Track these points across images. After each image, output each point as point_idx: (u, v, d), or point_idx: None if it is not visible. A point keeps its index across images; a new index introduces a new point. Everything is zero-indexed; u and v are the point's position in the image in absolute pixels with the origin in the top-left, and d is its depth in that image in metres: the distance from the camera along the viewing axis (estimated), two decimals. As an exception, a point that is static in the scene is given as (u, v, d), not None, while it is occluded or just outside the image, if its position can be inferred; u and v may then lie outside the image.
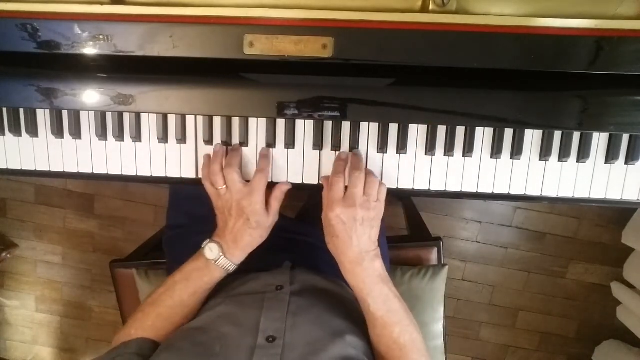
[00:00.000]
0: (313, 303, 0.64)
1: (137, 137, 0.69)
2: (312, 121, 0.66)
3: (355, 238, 0.61)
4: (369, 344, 0.62)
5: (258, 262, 0.75)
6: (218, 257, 0.65)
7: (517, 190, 0.67)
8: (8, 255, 1.84)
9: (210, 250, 0.66)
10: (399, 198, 1.59)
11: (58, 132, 0.69)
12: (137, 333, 0.63)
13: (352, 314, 0.65)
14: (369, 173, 0.64)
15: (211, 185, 0.66)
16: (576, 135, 0.65)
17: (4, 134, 0.71)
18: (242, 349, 0.54)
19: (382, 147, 0.66)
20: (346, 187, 0.63)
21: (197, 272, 0.66)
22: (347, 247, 0.62)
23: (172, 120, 0.68)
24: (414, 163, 0.67)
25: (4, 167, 0.72)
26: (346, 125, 0.67)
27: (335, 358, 0.54)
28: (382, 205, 0.64)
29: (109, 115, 0.68)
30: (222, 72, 0.62)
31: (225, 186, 0.65)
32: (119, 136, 0.69)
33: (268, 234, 0.68)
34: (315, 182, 0.69)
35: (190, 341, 0.57)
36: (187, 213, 0.87)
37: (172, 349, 0.56)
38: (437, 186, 0.68)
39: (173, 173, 0.70)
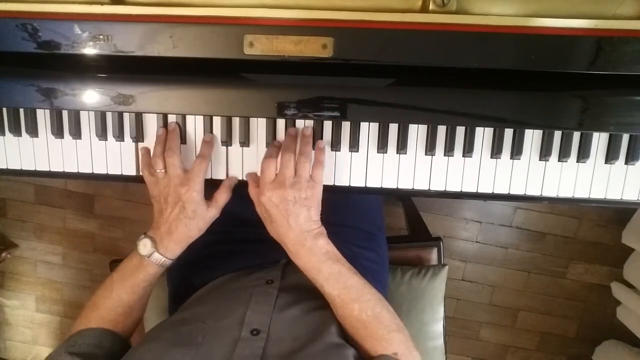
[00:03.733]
0: (301, 298, 0.63)
1: (137, 137, 0.69)
2: (312, 121, 0.66)
3: (292, 219, 0.61)
4: None
5: (256, 259, 0.75)
6: (151, 253, 0.64)
7: (517, 190, 0.67)
8: (8, 255, 1.84)
9: (144, 245, 0.64)
10: (399, 198, 1.59)
11: (58, 132, 0.69)
12: None
13: None
14: (302, 153, 0.63)
15: (149, 174, 0.66)
16: (576, 135, 0.65)
17: (4, 134, 0.71)
18: (225, 340, 0.54)
19: (382, 147, 0.66)
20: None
21: (132, 270, 0.65)
22: (285, 229, 0.61)
23: (172, 120, 0.68)
24: (414, 163, 0.67)
25: (4, 167, 0.72)
26: (346, 125, 0.67)
27: (319, 353, 0.53)
28: (317, 185, 0.63)
29: (109, 115, 0.68)
30: (222, 72, 0.62)
31: (163, 170, 0.65)
32: (119, 136, 0.69)
33: (206, 228, 0.67)
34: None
35: (173, 331, 0.57)
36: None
37: (155, 339, 0.56)
38: (437, 186, 0.68)
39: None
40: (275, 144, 0.66)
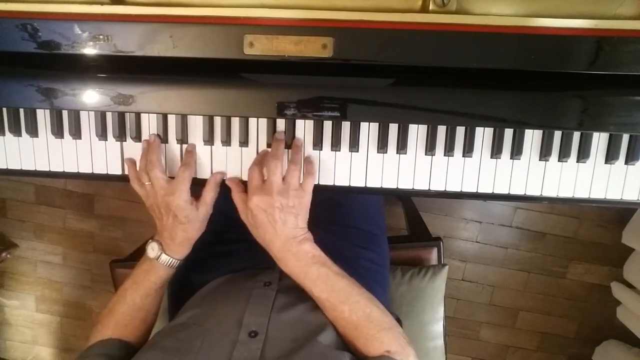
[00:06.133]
0: (299, 300, 0.63)
1: (137, 137, 0.68)
2: (312, 121, 0.66)
3: (279, 225, 0.61)
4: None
5: (254, 260, 0.75)
6: (159, 255, 0.67)
7: (517, 190, 0.67)
8: (8, 255, 1.84)
9: (152, 249, 0.68)
10: (399, 198, 1.59)
11: (58, 132, 0.69)
12: None
13: None
14: (292, 161, 0.64)
15: (139, 186, 0.67)
16: (576, 135, 0.65)
17: (4, 134, 0.71)
18: (223, 343, 0.55)
19: (382, 147, 0.66)
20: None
21: (143, 274, 0.68)
22: (271, 235, 0.62)
23: (172, 120, 0.68)
24: (414, 163, 0.67)
25: (4, 167, 0.72)
26: (346, 125, 0.67)
27: (316, 355, 0.54)
28: (306, 194, 0.64)
29: (109, 115, 0.68)
30: (222, 72, 0.62)
31: (150, 183, 0.66)
32: (119, 136, 0.69)
33: (205, 225, 0.69)
34: (315, 182, 0.69)
35: (173, 338, 0.57)
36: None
37: (155, 346, 0.57)
38: (437, 186, 0.68)
39: (173, 173, 0.70)
40: (262, 153, 0.67)
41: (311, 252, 0.63)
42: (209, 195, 0.68)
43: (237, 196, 0.66)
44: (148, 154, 0.66)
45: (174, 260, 0.68)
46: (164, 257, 0.67)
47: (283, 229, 0.61)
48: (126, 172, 0.71)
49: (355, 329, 0.59)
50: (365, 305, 0.61)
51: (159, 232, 0.69)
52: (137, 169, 0.68)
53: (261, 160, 0.65)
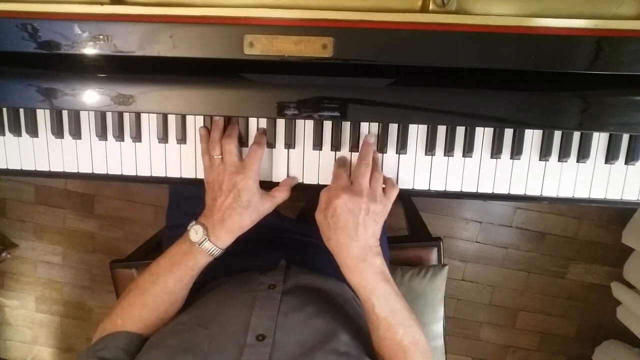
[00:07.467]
0: (305, 302, 0.63)
1: (137, 137, 0.69)
2: (312, 121, 0.66)
3: (361, 229, 0.59)
4: (364, 343, 0.61)
5: (255, 260, 0.74)
6: (202, 240, 0.62)
7: (517, 190, 0.67)
8: (8, 255, 1.84)
9: (195, 232, 0.63)
10: (399, 198, 1.59)
11: (58, 132, 0.69)
12: (124, 324, 0.62)
13: (346, 312, 0.64)
14: (377, 169, 0.64)
15: (207, 157, 0.65)
16: (576, 135, 0.65)
17: (4, 134, 0.71)
18: (230, 347, 0.54)
19: (382, 147, 0.66)
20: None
21: (181, 256, 0.64)
22: (351, 239, 0.59)
23: (172, 120, 0.68)
24: (414, 163, 0.67)
25: (4, 167, 0.72)
26: (346, 125, 0.67)
27: (326, 358, 0.53)
28: (389, 203, 0.63)
29: (109, 115, 0.68)
30: (222, 72, 0.62)
31: (220, 156, 0.64)
32: (119, 136, 0.69)
33: (258, 220, 0.66)
34: (315, 182, 0.69)
35: (176, 337, 0.57)
36: (187, 213, 0.86)
37: (159, 346, 0.56)
38: (437, 186, 0.68)
39: (173, 173, 0.70)
40: (343, 157, 0.68)
41: (381, 268, 0.60)
42: (281, 195, 0.66)
43: (327, 191, 0.63)
44: (229, 129, 0.65)
45: (216, 248, 0.63)
46: (206, 244, 0.62)
47: (364, 233, 0.59)
48: (125, 172, 0.71)
49: (404, 352, 0.58)
50: (416, 330, 0.60)
51: (207, 213, 0.64)
52: (210, 139, 0.65)
53: (346, 161, 0.66)
